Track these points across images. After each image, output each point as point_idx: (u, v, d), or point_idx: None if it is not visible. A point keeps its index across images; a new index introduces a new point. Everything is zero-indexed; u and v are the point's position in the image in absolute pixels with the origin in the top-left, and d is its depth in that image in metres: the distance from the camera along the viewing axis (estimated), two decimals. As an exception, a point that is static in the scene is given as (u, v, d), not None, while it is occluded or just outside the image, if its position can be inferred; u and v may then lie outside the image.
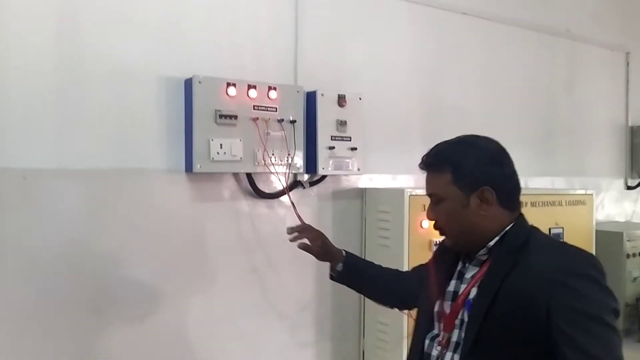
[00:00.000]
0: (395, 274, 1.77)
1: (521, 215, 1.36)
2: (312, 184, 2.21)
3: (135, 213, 1.87)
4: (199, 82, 1.90)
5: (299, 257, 2.17)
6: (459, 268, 1.39)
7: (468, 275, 1.35)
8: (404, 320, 2.15)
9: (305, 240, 1.69)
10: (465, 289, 1.33)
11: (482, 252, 1.33)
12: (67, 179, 1.76)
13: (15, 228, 1.69)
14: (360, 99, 2.27)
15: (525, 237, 1.31)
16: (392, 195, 2.23)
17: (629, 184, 3.38)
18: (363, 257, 2.03)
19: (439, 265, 1.47)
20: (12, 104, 1.69)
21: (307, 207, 2.22)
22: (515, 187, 1.36)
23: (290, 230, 1.70)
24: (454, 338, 1.32)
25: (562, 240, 1.39)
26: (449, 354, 1.32)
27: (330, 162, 2.18)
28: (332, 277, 1.71)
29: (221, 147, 1.92)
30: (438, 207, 1.35)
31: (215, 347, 2.02)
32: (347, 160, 2.22)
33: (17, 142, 1.69)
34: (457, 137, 1.40)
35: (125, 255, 1.85)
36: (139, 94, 1.87)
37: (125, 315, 1.86)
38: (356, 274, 1.72)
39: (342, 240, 2.29)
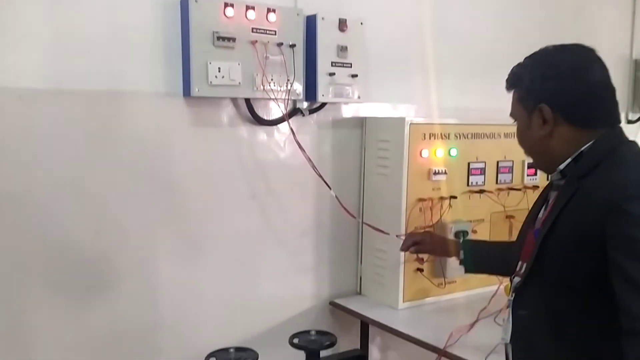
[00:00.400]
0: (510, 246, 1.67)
1: (610, 132, 1.23)
2: (312, 111, 2.19)
3: (133, 135, 1.85)
4: (195, 2, 1.83)
5: (299, 184, 2.20)
6: (547, 196, 1.36)
7: (550, 199, 1.31)
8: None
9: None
10: (541, 218, 1.31)
11: (554, 176, 1.28)
12: (63, 99, 1.72)
13: (12, 148, 1.67)
14: (361, 24, 2.20)
15: (602, 157, 1.19)
16: (392, 124, 2.21)
17: (630, 118, 3.36)
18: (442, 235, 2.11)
19: (538, 197, 1.45)
20: (6, 23, 1.63)
21: (307, 135, 2.20)
22: (595, 98, 1.23)
23: (404, 249, 1.94)
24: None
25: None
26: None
27: (330, 89, 2.14)
28: (465, 270, 1.82)
29: (219, 71, 1.87)
30: (517, 131, 1.33)
31: (213, 272, 2.05)
32: (348, 87, 2.18)
33: (12, 61, 1.64)
34: (536, 51, 1.30)
35: (122, 178, 1.85)
36: (135, 14, 1.81)
37: (128, 234, 1.87)
38: (483, 259, 1.77)
39: (341, 170, 2.31)
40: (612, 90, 1.26)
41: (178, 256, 1.98)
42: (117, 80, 1.80)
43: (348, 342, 2.38)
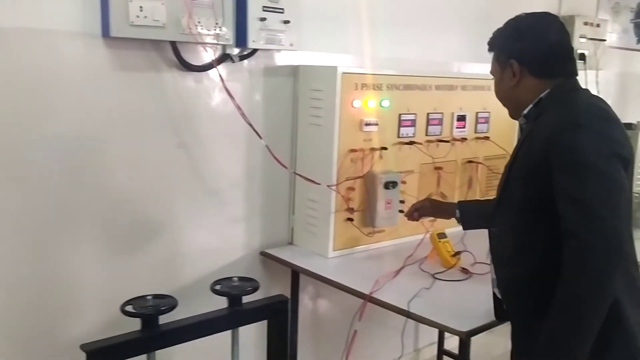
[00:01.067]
0: None
1: (565, 81, 1.47)
2: (243, 58, 2.11)
3: (46, 78, 1.72)
4: None
5: (229, 133, 2.15)
6: None
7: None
8: (332, 197, 2.21)
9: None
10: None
11: (521, 120, 1.53)
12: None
13: None
14: (295, -33, 2.13)
15: (557, 100, 1.43)
16: (324, 74, 2.18)
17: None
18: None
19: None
20: None
21: (237, 82, 2.14)
22: (553, 54, 1.47)
23: (408, 216, 2.15)
24: None
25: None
26: None
27: (262, 35, 2.07)
28: (463, 228, 2.04)
29: (141, 10, 1.76)
30: (494, 82, 1.57)
31: (138, 222, 2.00)
32: (280, 34, 2.12)
33: None
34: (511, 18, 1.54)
35: (39, 123, 1.73)
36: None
37: (42, 185, 1.78)
38: (476, 217, 1.97)
39: (273, 119, 2.27)
40: (567, 48, 1.51)
41: (99, 207, 1.90)
42: (28, 17, 1.66)
43: (279, 292, 2.40)
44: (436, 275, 2.06)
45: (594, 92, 3.58)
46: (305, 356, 2.45)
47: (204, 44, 1.91)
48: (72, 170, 1.82)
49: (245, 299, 1.71)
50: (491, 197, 1.98)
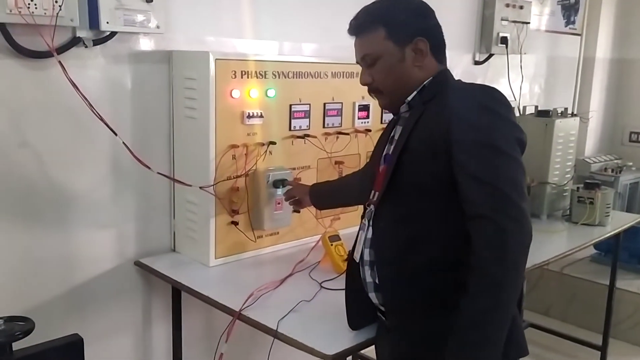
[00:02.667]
0: (358, 176, 1.91)
1: (444, 69, 1.42)
2: (98, 42, 1.84)
3: None
4: None
5: (85, 129, 1.87)
6: (392, 133, 1.47)
7: (396, 135, 1.43)
8: (212, 199, 1.97)
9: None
10: (392, 149, 1.42)
11: (403, 108, 1.42)
12: None
13: None
14: None
15: (441, 86, 1.37)
16: (197, 60, 1.93)
17: (477, 59, 3.32)
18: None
19: (381, 136, 1.58)
20: None
21: (94, 70, 1.86)
22: (443, 39, 1.43)
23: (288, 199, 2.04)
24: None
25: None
26: (373, 207, 1.44)
27: (118, 15, 1.80)
28: (317, 208, 2.10)
29: (-55, -15, 1.48)
30: (373, 68, 1.40)
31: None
32: (141, 14, 1.85)
33: None
34: None
35: None
36: None
37: None
38: (325, 197, 1.99)
39: (145, 112, 2.01)
40: None
41: None
42: None
43: (160, 306, 2.16)
44: (324, 284, 1.86)
45: (518, 77, 3.49)
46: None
47: (38, 25, 1.62)
48: None
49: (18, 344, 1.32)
50: (343, 176, 2.14)
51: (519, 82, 3.41)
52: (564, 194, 2.76)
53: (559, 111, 2.78)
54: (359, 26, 1.43)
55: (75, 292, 1.93)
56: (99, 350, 1.94)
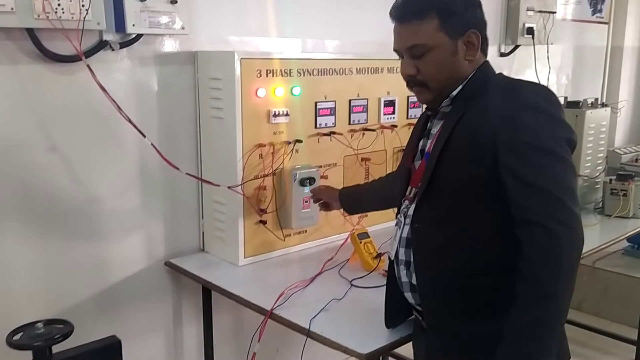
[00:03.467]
0: (390, 179, 1.89)
1: (486, 62, 1.35)
2: (124, 45, 1.85)
3: None
4: None
5: (113, 132, 1.89)
6: (427, 128, 1.41)
7: (434, 130, 1.37)
8: (240, 199, 1.97)
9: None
10: (429, 146, 1.35)
11: (445, 102, 1.34)
12: None
13: None
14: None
15: (485, 81, 1.30)
16: (222, 60, 1.93)
17: (502, 51, 3.26)
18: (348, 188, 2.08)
19: (414, 130, 1.52)
20: None
21: (121, 73, 1.88)
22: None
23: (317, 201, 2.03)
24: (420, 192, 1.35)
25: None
26: (412, 206, 1.37)
27: (144, 17, 1.81)
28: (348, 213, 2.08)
29: (-22, -7, 1.50)
30: (421, 59, 1.30)
31: (17, 239, 1.74)
32: (166, 15, 1.86)
33: None
34: None
35: None
36: None
37: None
38: (355, 202, 1.97)
39: (171, 114, 2.02)
40: None
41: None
42: None
43: (190, 303, 2.17)
44: (354, 282, 1.85)
45: (544, 68, 3.41)
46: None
47: (66, 30, 1.64)
48: None
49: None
50: (374, 180, 2.08)
51: (545, 73, 3.34)
52: (596, 187, 2.69)
53: (589, 102, 2.71)
54: (409, 13, 1.30)
55: (107, 294, 1.95)
56: (132, 351, 1.95)
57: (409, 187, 1.42)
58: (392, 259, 1.44)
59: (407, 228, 1.38)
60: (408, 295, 1.41)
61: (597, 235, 2.44)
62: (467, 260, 1.27)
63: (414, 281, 1.37)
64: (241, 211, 1.98)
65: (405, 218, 1.40)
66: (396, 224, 1.46)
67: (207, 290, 2.06)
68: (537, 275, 1.13)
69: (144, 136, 1.82)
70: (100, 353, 1.26)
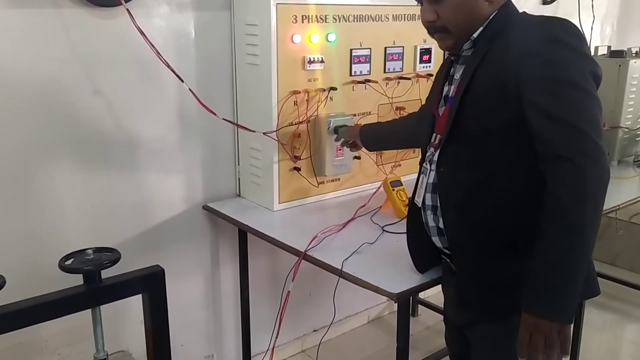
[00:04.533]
0: (412, 121, 1.84)
1: (508, 1, 1.32)
2: (163, -11, 1.87)
3: None
4: None
5: (153, 77, 1.93)
6: (452, 73, 1.40)
7: (457, 75, 1.36)
8: (275, 145, 2.00)
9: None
10: (452, 90, 1.35)
11: (466, 45, 1.32)
12: None
13: None
14: None
15: (506, 21, 1.28)
16: (257, 5, 1.93)
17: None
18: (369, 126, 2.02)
19: (437, 76, 1.52)
20: None
21: (159, 19, 1.90)
22: None
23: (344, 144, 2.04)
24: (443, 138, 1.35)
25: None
26: (437, 153, 1.38)
27: (181, -38, 1.82)
28: (368, 149, 2.05)
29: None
30: (440, 4, 1.29)
31: (64, 177, 1.83)
32: (203, -40, 1.86)
33: None
34: None
35: None
36: None
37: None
38: (376, 139, 1.96)
39: (208, 60, 2.05)
40: None
41: (24, 161, 1.74)
42: None
43: (227, 246, 2.26)
44: (385, 228, 1.88)
45: (589, 17, 3.28)
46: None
47: (106, -26, 1.67)
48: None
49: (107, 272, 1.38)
50: (392, 120, 2.13)
51: (590, 23, 3.22)
52: (637, 139, 2.63)
53: (634, 51, 2.61)
54: None
55: (149, 234, 2.04)
56: (172, 289, 2.05)
57: (434, 134, 1.42)
58: (420, 205, 1.45)
59: (432, 174, 1.40)
60: (436, 240, 1.43)
61: (636, 188, 2.40)
62: (494, 201, 1.28)
63: (441, 225, 1.39)
64: (276, 157, 2.02)
65: (430, 164, 1.41)
66: (421, 171, 1.47)
67: (243, 233, 2.14)
68: (562, 208, 1.14)
69: (182, 81, 1.85)
70: (146, 280, 1.34)
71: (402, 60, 2.25)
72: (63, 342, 1.92)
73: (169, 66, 1.81)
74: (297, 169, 2.08)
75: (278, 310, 1.82)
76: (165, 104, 1.98)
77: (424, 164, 1.45)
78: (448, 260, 1.47)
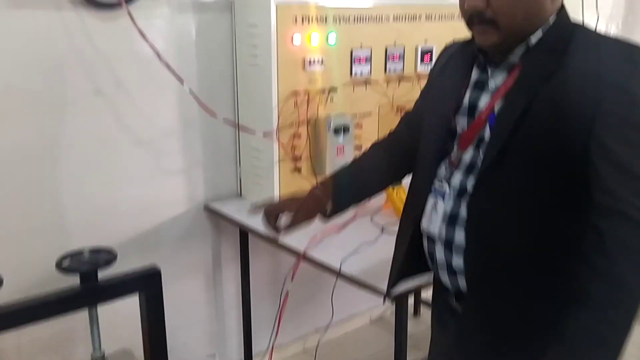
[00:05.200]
0: (386, 153, 1.45)
1: (563, 5, 1.10)
2: (163, -8, 1.88)
3: None
4: None
5: (155, 78, 1.95)
6: (474, 78, 1.16)
7: (493, 83, 1.12)
8: (275, 146, 2.02)
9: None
10: (490, 102, 1.10)
11: (518, 50, 1.08)
12: None
13: None
14: None
15: (572, 31, 1.06)
16: (258, 6, 1.94)
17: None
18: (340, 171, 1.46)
19: (449, 73, 1.22)
20: None
21: (160, 20, 1.92)
22: None
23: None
24: (467, 157, 1.14)
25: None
26: (458, 175, 1.15)
27: (182, -37, 1.83)
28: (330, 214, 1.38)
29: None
30: None
31: (65, 178, 1.85)
32: (203, -39, 1.87)
33: None
34: None
35: None
36: None
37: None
38: (350, 195, 1.40)
39: (210, 60, 2.07)
40: None
41: (23, 160, 1.76)
42: None
43: (228, 247, 2.27)
44: (385, 228, 1.89)
45: (593, 16, 3.27)
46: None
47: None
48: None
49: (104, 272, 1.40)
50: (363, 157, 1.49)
51: (594, 22, 3.20)
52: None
53: None
54: None
55: (150, 233, 2.06)
56: (173, 289, 2.08)
57: (456, 150, 1.17)
58: (427, 233, 1.22)
59: (451, 202, 1.16)
60: (444, 276, 1.21)
61: None
62: (532, 243, 1.09)
63: (455, 263, 1.17)
64: (277, 157, 2.03)
65: (450, 187, 1.16)
66: (434, 192, 1.20)
67: (245, 233, 2.15)
68: (617, 275, 0.97)
69: (182, 83, 1.87)
70: (142, 280, 1.36)
71: (403, 60, 2.25)
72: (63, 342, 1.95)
73: (169, 68, 1.83)
74: (298, 170, 2.09)
75: (278, 309, 1.84)
76: (167, 105, 2.00)
77: (438, 184, 1.19)
78: (450, 296, 1.25)
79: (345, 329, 2.76)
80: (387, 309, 2.97)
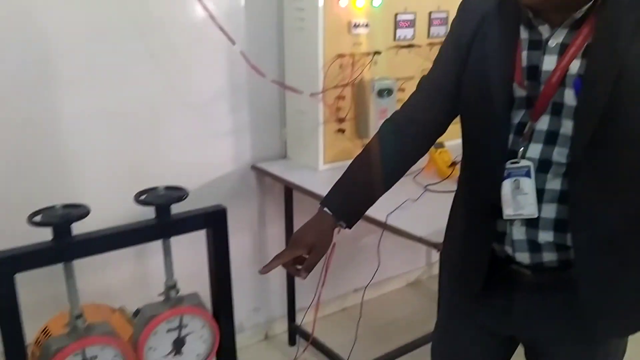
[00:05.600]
0: (401, 137, 1.32)
1: None
2: (215, -45, 1.95)
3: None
4: None
5: (206, 41, 2.02)
6: (525, 36, 1.03)
7: (554, 42, 0.99)
8: (320, 107, 2.08)
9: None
10: (563, 63, 0.98)
11: (583, 5, 0.95)
12: None
13: None
14: None
15: None
16: (306, -31, 1.99)
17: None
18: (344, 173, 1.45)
19: (492, 36, 1.06)
20: None
21: (211, -14, 1.99)
22: None
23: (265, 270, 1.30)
24: (543, 126, 1.02)
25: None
26: (536, 146, 1.03)
27: None
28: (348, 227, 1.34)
29: None
30: None
31: (116, 138, 1.95)
32: None
33: None
34: None
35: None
36: None
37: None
38: (360, 203, 1.38)
39: (258, 24, 2.13)
40: None
41: (78, 122, 1.86)
42: None
43: (273, 206, 2.36)
44: (428, 187, 1.94)
45: None
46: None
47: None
48: (26, 88, 1.75)
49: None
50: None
51: None
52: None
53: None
54: None
55: (201, 191, 2.16)
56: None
57: (530, 122, 1.04)
58: (514, 218, 1.06)
59: (532, 179, 1.03)
60: (524, 256, 1.08)
61: None
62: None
63: (541, 240, 1.05)
64: (321, 119, 2.10)
65: (531, 163, 1.03)
66: (508, 173, 1.05)
67: (289, 191, 2.24)
68: None
69: (234, 43, 1.94)
70: (209, 216, 1.49)
71: (447, 25, 2.28)
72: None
73: (222, 29, 1.90)
74: (342, 131, 2.15)
75: (322, 265, 1.92)
76: (217, 68, 2.08)
77: (514, 162, 1.04)
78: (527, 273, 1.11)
79: (382, 290, 2.85)
80: (424, 273, 3.04)
